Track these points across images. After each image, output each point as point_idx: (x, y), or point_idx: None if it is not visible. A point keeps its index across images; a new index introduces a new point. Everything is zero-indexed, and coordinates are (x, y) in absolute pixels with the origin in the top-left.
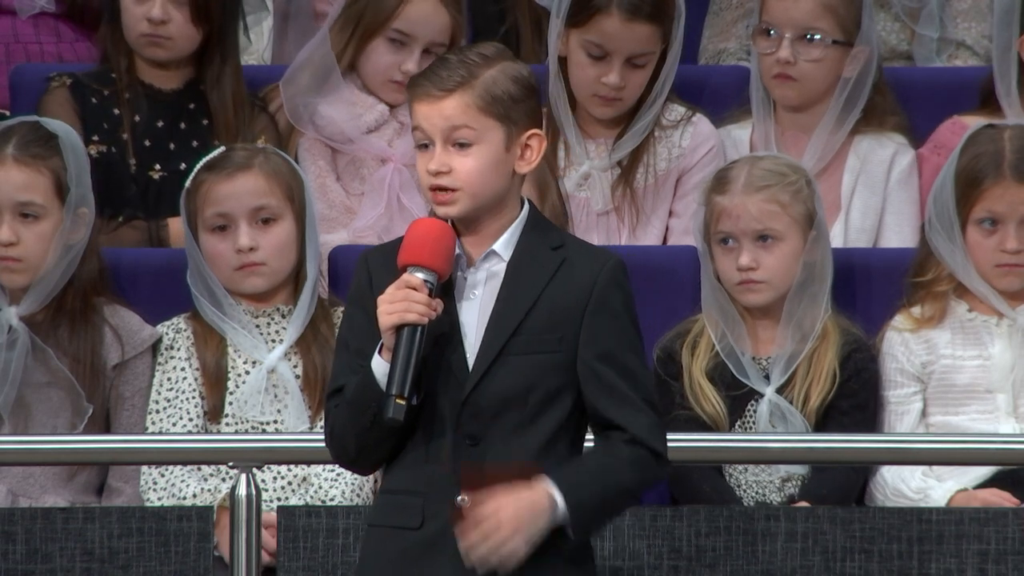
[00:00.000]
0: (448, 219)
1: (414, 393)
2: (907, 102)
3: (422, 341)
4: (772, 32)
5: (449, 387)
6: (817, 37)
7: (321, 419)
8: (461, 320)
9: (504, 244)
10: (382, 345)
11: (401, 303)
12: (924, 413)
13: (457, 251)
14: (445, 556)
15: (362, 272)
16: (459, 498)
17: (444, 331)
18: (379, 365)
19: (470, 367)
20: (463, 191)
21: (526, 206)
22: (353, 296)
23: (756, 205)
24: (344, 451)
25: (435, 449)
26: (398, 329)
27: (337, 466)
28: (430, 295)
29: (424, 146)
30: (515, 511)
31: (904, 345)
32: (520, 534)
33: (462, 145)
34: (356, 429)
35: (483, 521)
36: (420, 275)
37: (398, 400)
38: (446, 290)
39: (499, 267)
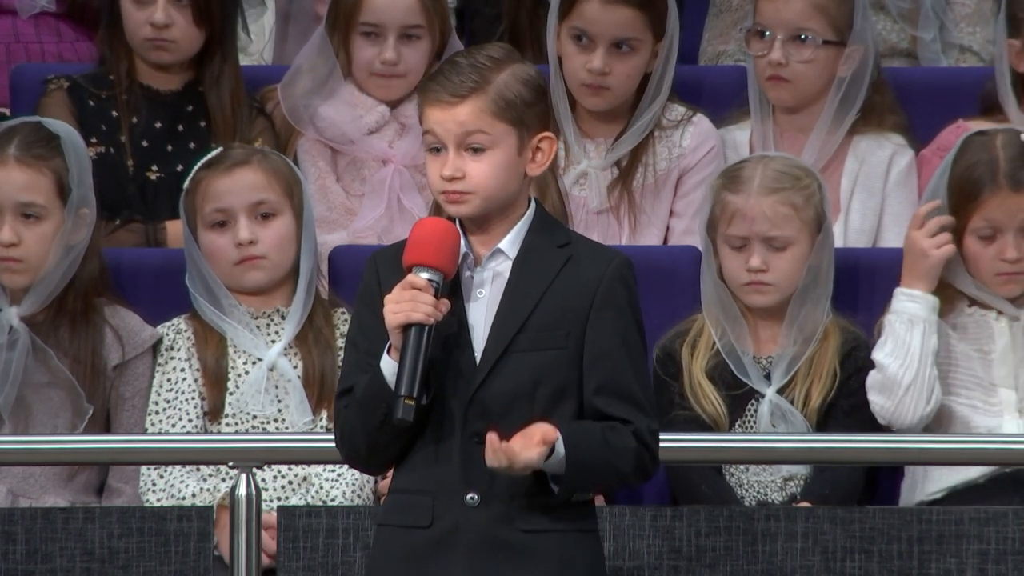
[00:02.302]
0: (456, 219)
1: (424, 393)
2: (908, 102)
3: (429, 341)
4: (765, 34)
5: (458, 386)
6: (808, 38)
7: (322, 417)
8: (468, 319)
9: (510, 242)
10: (390, 345)
11: (408, 303)
12: None
13: (464, 249)
14: (455, 555)
15: (371, 272)
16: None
17: (452, 331)
18: (388, 365)
19: (477, 365)
20: (476, 194)
21: (532, 205)
22: (362, 296)
23: (771, 207)
24: (355, 452)
25: (444, 449)
26: (405, 329)
27: (337, 466)
28: (436, 295)
29: (436, 149)
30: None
31: None
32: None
33: (476, 150)
34: (366, 429)
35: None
36: (425, 275)
37: (407, 400)
38: (453, 289)
39: (505, 266)
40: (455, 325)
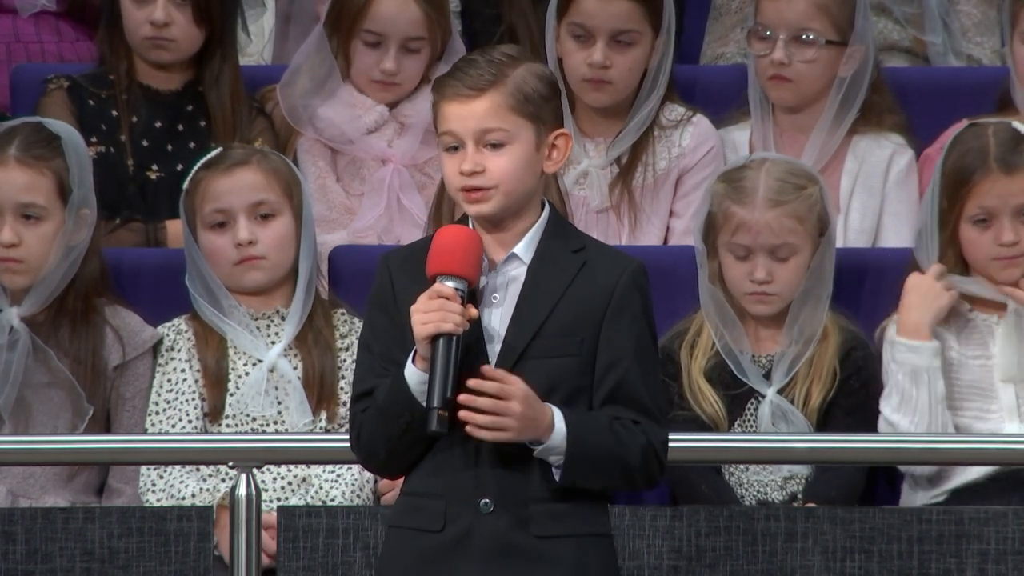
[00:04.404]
0: (476, 222)
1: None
2: (909, 102)
3: (459, 350)
4: (767, 34)
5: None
6: (810, 37)
7: (322, 418)
8: (483, 324)
9: (525, 247)
10: (415, 354)
11: (437, 312)
12: None
13: None
14: (468, 561)
15: (384, 275)
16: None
17: (467, 336)
18: (413, 374)
19: None
20: (497, 189)
21: (547, 208)
22: (375, 299)
23: (776, 220)
24: (374, 456)
25: (458, 454)
26: (433, 339)
27: (337, 466)
28: (462, 303)
29: (454, 148)
30: (525, 408)
31: None
32: (516, 428)
33: (494, 146)
34: (387, 436)
35: (503, 394)
36: (451, 284)
37: (440, 412)
38: (468, 295)
39: (519, 271)
40: (470, 331)
